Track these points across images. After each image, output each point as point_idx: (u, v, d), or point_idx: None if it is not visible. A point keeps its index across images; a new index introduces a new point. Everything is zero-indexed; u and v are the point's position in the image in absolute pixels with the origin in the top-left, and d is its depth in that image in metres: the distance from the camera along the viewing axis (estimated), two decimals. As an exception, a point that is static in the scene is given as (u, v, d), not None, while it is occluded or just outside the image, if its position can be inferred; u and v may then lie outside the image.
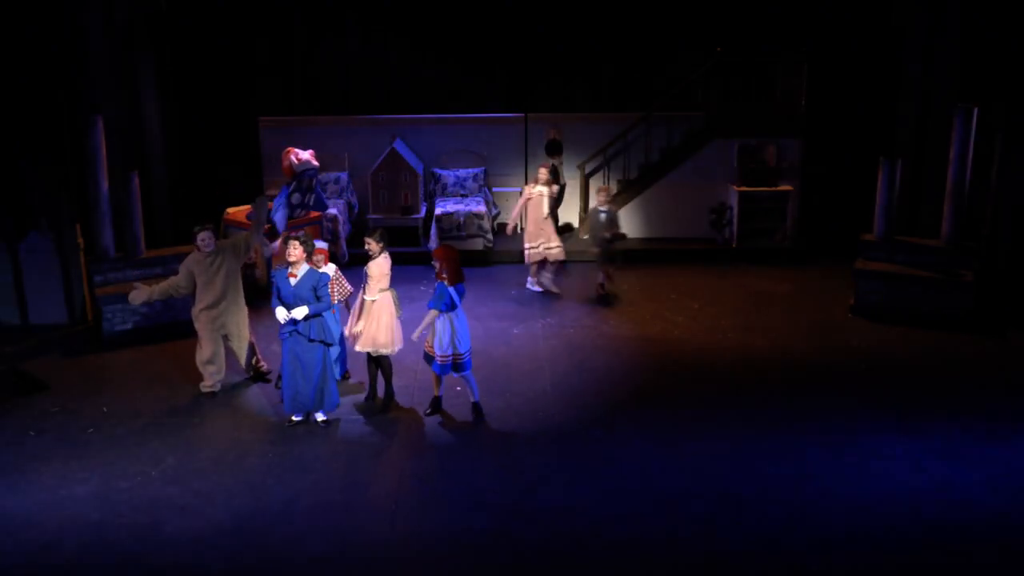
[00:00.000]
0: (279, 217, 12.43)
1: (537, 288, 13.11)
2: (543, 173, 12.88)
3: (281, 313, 8.90)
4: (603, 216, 12.52)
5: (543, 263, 13.03)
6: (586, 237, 13.10)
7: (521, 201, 12.95)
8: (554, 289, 13.04)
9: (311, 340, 8.98)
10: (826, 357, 10.96)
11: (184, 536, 7.57)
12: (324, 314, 9.13)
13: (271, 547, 7.47)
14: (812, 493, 8.13)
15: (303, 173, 12.53)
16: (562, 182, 15.12)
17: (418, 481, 8.40)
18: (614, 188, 13.49)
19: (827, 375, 10.51)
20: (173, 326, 11.54)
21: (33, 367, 10.68)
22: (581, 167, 14.81)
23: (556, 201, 15.26)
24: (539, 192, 12.75)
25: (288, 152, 12.60)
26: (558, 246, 12.87)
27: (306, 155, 12.56)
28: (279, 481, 8.36)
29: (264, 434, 9.20)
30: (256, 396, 10.02)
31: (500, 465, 8.63)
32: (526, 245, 12.91)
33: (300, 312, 8.85)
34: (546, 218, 12.83)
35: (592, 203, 13.57)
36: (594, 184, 14.69)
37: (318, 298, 8.94)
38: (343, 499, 8.11)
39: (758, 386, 10.19)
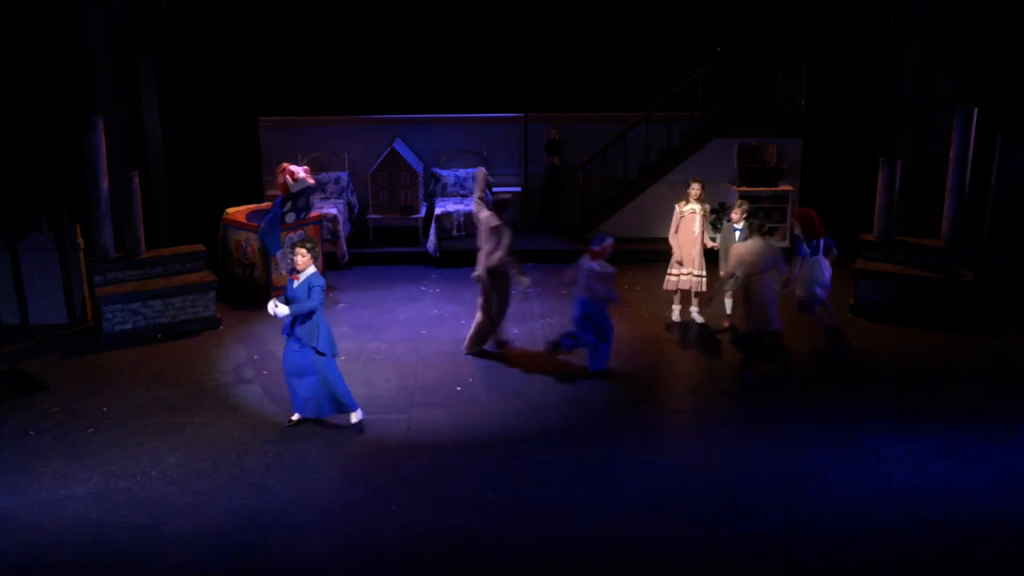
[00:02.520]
0: (273, 240, 11.87)
1: (701, 319, 11.83)
2: (695, 189, 11.43)
3: (270, 306, 8.94)
4: (737, 234, 11.26)
5: (686, 292, 11.76)
6: (734, 275, 10.52)
7: (674, 222, 11.53)
8: (699, 319, 11.87)
9: (302, 345, 8.99)
10: (826, 357, 10.97)
11: (184, 536, 7.58)
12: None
13: (271, 547, 7.47)
14: (812, 493, 8.13)
15: (299, 193, 12.40)
16: (561, 181, 15.17)
17: (418, 481, 8.40)
18: (746, 204, 11.52)
19: (827, 375, 10.51)
20: (173, 326, 11.54)
21: (33, 367, 10.67)
22: (581, 167, 14.80)
23: (556, 192, 15.28)
24: (690, 210, 11.42)
25: (283, 170, 12.39)
26: (699, 275, 11.52)
27: (301, 173, 12.33)
28: (279, 481, 8.37)
29: (264, 434, 9.20)
30: (256, 396, 10.01)
31: (500, 465, 8.64)
32: (670, 270, 11.66)
33: (282, 309, 8.87)
34: (695, 240, 11.43)
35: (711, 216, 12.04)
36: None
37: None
38: (343, 499, 8.11)
39: (758, 386, 10.19)
